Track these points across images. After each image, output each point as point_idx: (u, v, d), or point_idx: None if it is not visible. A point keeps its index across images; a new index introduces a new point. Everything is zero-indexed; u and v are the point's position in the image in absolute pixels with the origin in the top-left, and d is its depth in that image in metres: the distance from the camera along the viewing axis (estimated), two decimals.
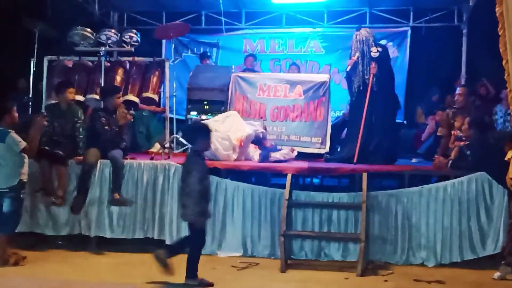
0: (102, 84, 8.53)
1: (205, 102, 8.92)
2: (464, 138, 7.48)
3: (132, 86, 8.71)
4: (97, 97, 8.41)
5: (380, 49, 8.06)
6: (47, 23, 9.53)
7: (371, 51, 7.98)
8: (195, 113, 8.96)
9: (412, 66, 11.10)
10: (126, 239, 7.51)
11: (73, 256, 7.21)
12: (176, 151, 8.65)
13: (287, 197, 7.06)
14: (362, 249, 6.74)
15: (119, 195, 7.33)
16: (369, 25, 10.81)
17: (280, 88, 8.98)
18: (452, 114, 8.23)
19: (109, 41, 8.79)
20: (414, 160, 9.01)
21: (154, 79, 8.78)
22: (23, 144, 6.65)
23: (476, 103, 8.94)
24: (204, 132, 6.06)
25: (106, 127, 7.50)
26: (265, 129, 8.63)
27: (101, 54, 8.60)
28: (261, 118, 8.83)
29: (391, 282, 6.35)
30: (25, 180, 6.80)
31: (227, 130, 7.89)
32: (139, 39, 8.89)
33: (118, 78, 8.68)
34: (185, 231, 7.33)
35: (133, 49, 8.84)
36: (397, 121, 10.34)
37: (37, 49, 9.19)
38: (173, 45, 9.43)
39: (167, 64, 8.72)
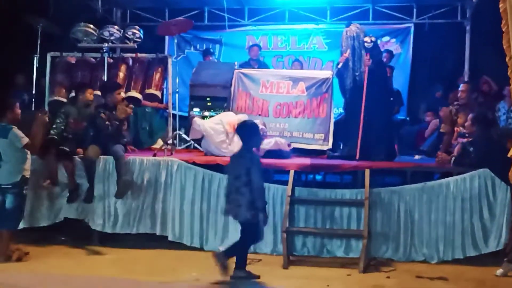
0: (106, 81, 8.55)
1: (208, 99, 8.92)
2: (467, 135, 7.48)
3: (135, 82, 8.71)
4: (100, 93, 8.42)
5: (373, 38, 7.95)
6: (50, 19, 9.52)
7: (365, 41, 7.87)
8: (197, 109, 8.97)
9: (415, 62, 11.07)
10: (128, 235, 7.53)
11: (75, 252, 7.23)
12: (178, 148, 8.66)
13: (289, 193, 7.06)
14: (364, 245, 6.75)
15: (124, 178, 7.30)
16: (372, 22, 10.82)
17: (283, 85, 8.97)
18: (455, 110, 8.22)
19: (112, 38, 8.80)
20: (416, 157, 9.00)
21: (157, 76, 8.78)
22: (26, 140, 6.67)
23: (479, 99, 8.92)
24: (256, 129, 6.26)
25: (107, 123, 7.51)
26: (265, 126, 8.61)
27: (104, 50, 8.62)
28: (259, 115, 8.82)
29: (393, 278, 6.35)
30: (27, 176, 6.82)
31: (221, 117, 8.02)
32: (142, 36, 8.89)
33: (121, 75, 8.69)
34: (187, 227, 7.37)
35: (136, 46, 8.84)
36: (399, 117, 10.35)
37: (40, 46, 9.19)
38: (176, 42, 9.43)
39: (169, 61, 8.73)
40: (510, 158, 6.27)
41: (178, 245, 7.38)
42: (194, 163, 7.50)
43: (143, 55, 8.84)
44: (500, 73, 9.36)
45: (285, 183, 7.15)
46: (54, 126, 7.49)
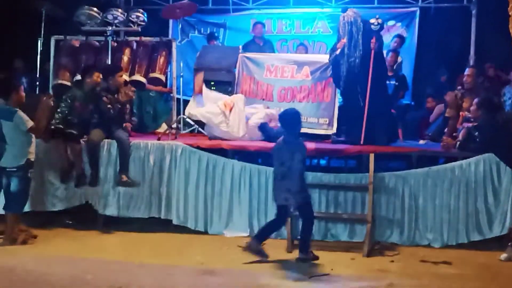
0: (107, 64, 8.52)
1: (212, 83, 8.89)
2: (472, 120, 7.45)
3: (139, 66, 8.68)
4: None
5: (380, 20, 7.77)
6: (54, 2, 9.49)
7: (371, 23, 7.70)
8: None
9: (421, 47, 10.99)
10: (133, 219, 7.56)
11: (81, 235, 7.26)
12: (183, 132, 8.66)
13: None
14: (368, 230, 6.77)
15: (126, 177, 7.36)
16: (377, 6, 10.74)
17: (288, 69, 8.93)
18: (460, 95, 8.18)
19: (116, 21, 8.75)
20: (421, 142, 8.98)
21: (161, 60, 8.74)
22: (30, 123, 6.67)
23: (484, 84, 8.87)
24: (298, 116, 6.38)
25: (109, 106, 7.51)
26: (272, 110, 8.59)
27: (108, 34, 8.57)
28: (264, 99, 8.79)
29: (397, 263, 6.37)
30: (32, 159, 6.83)
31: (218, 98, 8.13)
32: (146, 19, 8.84)
33: (125, 58, 8.66)
34: (192, 211, 7.39)
35: (140, 29, 8.80)
36: (404, 102, 10.31)
37: (44, 29, 9.17)
38: (180, 25, 9.37)
39: (174, 44, 8.69)
40: None
41: (182, 229, 7.40)
42: (198, 147, 7.51)
43: (147, 38, 8.80)
44: (506, 57, 9.35)
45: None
46: (58, 110, 7.47)
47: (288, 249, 6.69)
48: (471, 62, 10.05)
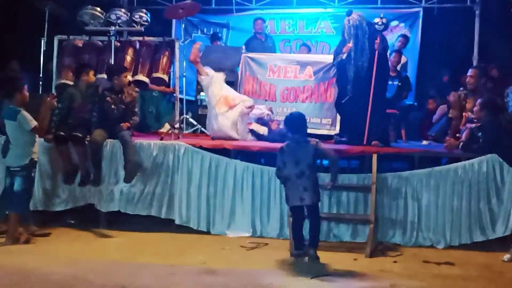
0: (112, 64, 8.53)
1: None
2: (475, 120, 7.43)
3: (142, 66, 8.69)
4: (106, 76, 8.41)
5: (384, 20, 7.72)
6: (57, 2, 9.49)
7: (375, 23, 7.64)
8: (204, 94, 8.96)
9: (424, 47, 10.99)
10: (135, 219, 7.56)
11: (83, 235, 7.27)
12: (185, 132, 8.66)
13: None
14: (371, 230, 6.75)
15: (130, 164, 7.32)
16: (380, 6, 10.73)
17: (290, 69, 8.94)
18: (463, 95, 8.16)
19: (119, 21, 8.76)
20: (424, 142, 8.98)
21: (164, 60, 8.75)
22: (34, 123, 6.68)
23: (487, 85, 8.86)
24: (304, 119, 6.41)
25: (113, 106, 7.51)
26: (271, 111, 8.58)
27: (111, 33, 8.58)
28: (266, 100, 8.79)
29: (400, 263, 6.35)
30: (36, 159, 6.85)
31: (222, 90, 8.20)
32: (149, 19, 8.85)
33: (128, 58, 8.66)
34: (194, 211, 7.39)
35: (143, 29, 8.80)
36: (407, 103, 10.30)
37: (47, 29, 9.17)
38: (183, 25, 9.37)
39: (177, 45, 8.69)
40: None
41: (185, 229, 7.40)
42: (201, 147, 7.51)
43: (150, 38, 8.80)
44: (509, 58, 9.34)
45: None
46: (56, 111, 7.42)
47: (291, 250, 6.68)
48: (474, 63, 10.04)
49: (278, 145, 7.55)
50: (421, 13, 10.96)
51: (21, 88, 6.82)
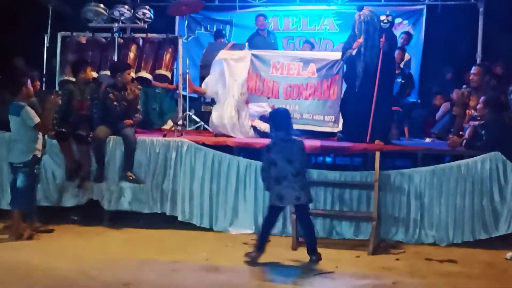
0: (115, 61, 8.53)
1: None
2: (479, 118, 7.42)
3: (145, 63, 8.68)
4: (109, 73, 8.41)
5: (390, 17, 7.62)
6: None
7: (381, 20, 7.55)
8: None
9: (428, 44, 10.96)
10: (138, 215, 7.58)
11: (86, 231, 7.29)
12: (188, 129, 8.67)
13: None
14: (374, 228, 6.75)
15: (132, 174, 7.37)
16: (384, 3, 10.71)
17: (294, 66, 8.92)
18: (467, 93, 8.14)
19: (122, 18, 8.74)
20: (427, 140, 8.96)
21: (167, 56, 8.73)
22: (37, 119, 6.69)
23: (491, 82, 8.84)
24: (288, 114, 6.33)
25: (115, 103, 7.51)
26: (274, 108, 8.55)
27: (115, 30, 8.57)
28: (268, 97, 8.78)
29: (402, 261, 6.36)
30: (39, 156, 6.85)
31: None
32: (152, 16, 8.83)
33: (131, 55, 8.65)
34: (197, 208, 7.40)
35: (146, 26, 8.79)
36: (411, 100, 10.29)
37: (50, 25, 9.17)
38: (186, 22, 9.38)
39: (180, 41, 8.68)
40: None
41: (187, 226, 7.41)
42: (203, 144, 7.51)
43: (154, 35, 8.79)
44: None
45: None
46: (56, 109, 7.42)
47: (294, 247, 6.68)
48: (478, 60, 10.02)
49: None
50: (424, 10, 10.93)
51: (25, 83, 6.83)
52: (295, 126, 8.23)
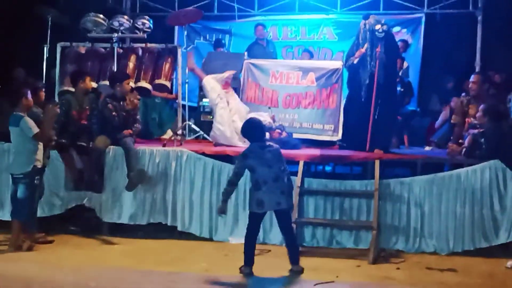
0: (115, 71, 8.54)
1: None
2: (478, 126, 7.42)
3: (144, 73, 8.69)
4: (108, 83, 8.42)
5: (385, 27, 7.55)
6: (60, 9, 9.53)
7: (377, 30, 7.50)
8: (207, 100, 8.97)
9: (426, 53, 10.98)
10: (138, 226, 7.55)
11: (85, 242, 7.27)
12: (188, 138, 8.67)
13: (299, 184, 7.05)
14: (374, 237, 6.74)
15: (135, 174, 7.30)
16: (383, 12, 10.73)
17: (293, 75, 8.93)
18: (466, 101, 8.15)
19: (122, 28, 8.78)
20: (427, 148, 8.96)
21: (166, 66, 8.75)
22: (36, 129, 6.69)
23: (490, 91, 8.85)
24: (259, 124, 6.29)
25: (114, 113, 7.51)
26: (274, 119, 8.55)
27: (114, 40, 8.59)
28: (269, 107, 8.78)
29: (403, 270, 6.33)
30: (39, 167, 6.84)
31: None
32: (151, 26, 8.86)
33: (131, 65, 8.67)
34: (196, 217, 7.38)
35: (145, 36, 8.82)
36: (410, 108, 10.29)
37: (50, 36, 9.19)
38: (185, 32, 9.38)
39: (179, 51, 8.70)
40: None
41: (187, 236, 7.40)
42: (203, 154, 7.51)
43: (153, 45, 8.81)
44: None
45: (295, 174, 7.13)
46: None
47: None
48: (477, 69, 10.04)
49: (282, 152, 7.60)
50: (423, 19, 10.96)
51: (25, 94, 6.83)
52: (295, 135, 8.43)
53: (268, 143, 6.15)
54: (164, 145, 7.78)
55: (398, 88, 9.44)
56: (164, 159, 7.51)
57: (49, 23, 9.28)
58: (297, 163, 7.23)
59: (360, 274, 6.18)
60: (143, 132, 8.65)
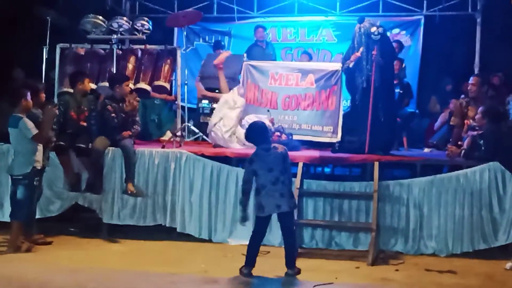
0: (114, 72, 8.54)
1: (217, 91, 8.92)
2: (477, 128, 7.43)
3: (143, 74, 8.69)
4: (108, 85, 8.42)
5: (380, 29, 7.49)
6: (59, 11, 9.52)
7: (372, 33, 7.43)
8: (206, 101, 8.97)
9: (425, 55, 10.99)
10: (137, 227, 7.55)
11: (84, 243, 7.27)
12: (187, 140, 8.67)
13: (298, 186, 7.05)
14: (373, 238, 6.74)
15: (133, 186, 7.33)
16: (382, 14, 10.75)
17: (292, 77, 8.94)
18: (465, 103, 8.16)
19: (121, 29, 8.77)
20: (426, 150, 8.96)
21: (165, 68, 8.76)
22: (35, 130, 6.69)
23: (489, 93, 8.86)
24: (265, 128, 6.27)
25: (113, 115, 7.51)
26: (272, 121, 8.55)
27: (113, 42, 8.59)
28: (268, 110, 8.78)
29: (402, 271, 6.34)
30: (38, 168, 6.84)
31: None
32: (150, 27, 8.86)
33: (130, 66, 8.67)
34: (196, 219, 7.38)
35: (144, 37, 8.82)
36: (409, 110, 10.29)
37: (49, 37, 9.18)
38: (184, 33, 9.38)
39: (178, 53, 8.70)
40: None
41: (186, 237, 7.40)
42: (202, 155, 7.51)
43: (152, 46, 8.81)
44: (511, 65, 9.34)
45: (294, 175, 7.13)
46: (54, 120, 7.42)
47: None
48: (476, 71, 10.05)
49: None
50: (422, 21, 10.98)
51: (25, 95, 6.83)
52: (294, 137, 8.41)
53: (273, 145, 6.15)
54: (163, 146, 7.78)
55: (397, 90, 9.45)
56: (163, 160, 7.51)
57: (49, 24, 9.27)
58: (297, 164, 7.23)
59: (359, 276, 6.18)
60: (142, 133, 8.66)
